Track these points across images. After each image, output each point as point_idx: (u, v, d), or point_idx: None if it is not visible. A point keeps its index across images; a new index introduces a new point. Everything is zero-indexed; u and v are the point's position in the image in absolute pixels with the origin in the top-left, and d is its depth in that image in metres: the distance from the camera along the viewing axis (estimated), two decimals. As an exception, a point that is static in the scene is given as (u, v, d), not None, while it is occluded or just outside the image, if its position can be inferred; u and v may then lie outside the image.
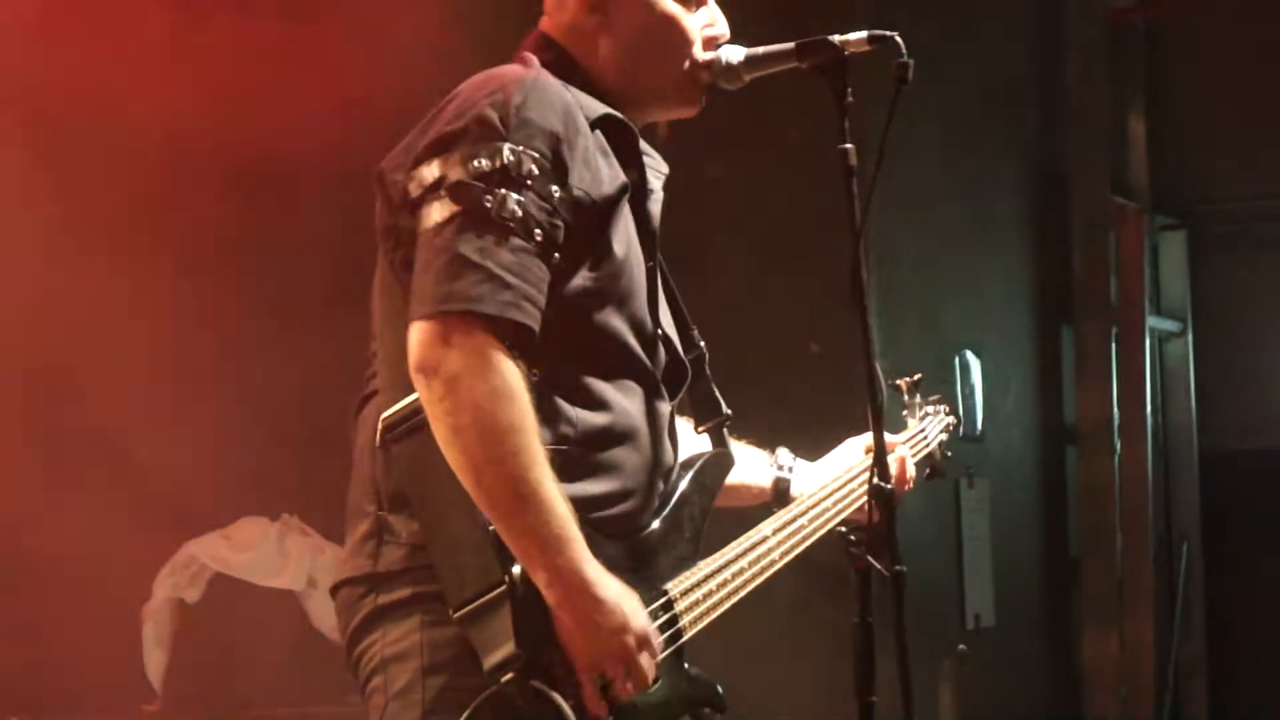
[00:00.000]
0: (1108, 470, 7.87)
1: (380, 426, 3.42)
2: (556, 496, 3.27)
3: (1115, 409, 7.88)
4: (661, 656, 3.44)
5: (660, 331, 3.65)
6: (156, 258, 6.70)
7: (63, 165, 6.64)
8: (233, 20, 6.84)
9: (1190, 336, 8.35)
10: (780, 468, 4.03)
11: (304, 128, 6.62)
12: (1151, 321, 8.10)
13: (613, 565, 3.37)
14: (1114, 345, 7.94)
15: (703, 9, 3.71)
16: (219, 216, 6.85)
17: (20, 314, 6.45)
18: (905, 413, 4.31)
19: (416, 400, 3.33)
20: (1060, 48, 7.95)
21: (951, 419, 4.41)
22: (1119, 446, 7.93)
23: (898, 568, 3.43)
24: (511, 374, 3.28)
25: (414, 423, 3.37)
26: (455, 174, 3.35)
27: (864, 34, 3.52)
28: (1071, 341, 8.01)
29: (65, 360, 6.49)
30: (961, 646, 6.68)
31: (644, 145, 3.70)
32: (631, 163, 3.61)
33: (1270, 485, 8.08)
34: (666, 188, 3.75)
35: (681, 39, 3.67)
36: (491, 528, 3.27)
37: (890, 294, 6.63)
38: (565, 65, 3.64)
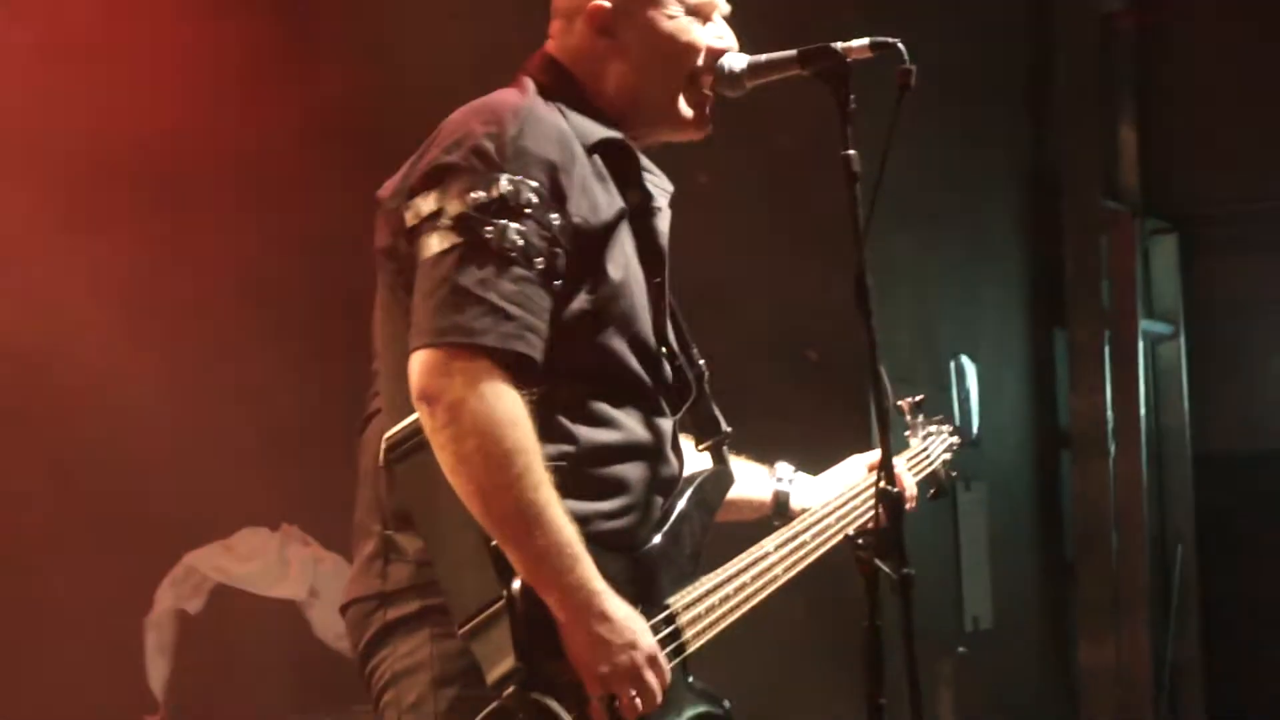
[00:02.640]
0: (1102, 473, 7.90)
1: (383, 446, 3.43)
2: (563, 517, 3.28)
3: (1109, 412, 7.90)
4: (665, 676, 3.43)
5: (665, 349, 3.66)
6: (159, 270, 6.66)
7: (71, 180, 6.58)
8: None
9: (1183, 339, 8.34)
10: (780, 480, 4.02)
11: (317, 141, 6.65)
12: (1144, 325, 8.12)
13: (614, 580, 3.38)
14: (1107, 349, 7.95)
15: (710, 24, 3.70)
16: (219, 227, 6.85)
17: (20, 322, 6.38)
18: (908, 433, 4.30)
19: (417, 420, 3.35)
20: (1051, 53, 7.94)
21: (955, 439, 4.40)
22: (1113, 449, 7.95)
23: (905, 571, 3.45)
24: (513, 400, 3.30)
25: (415, 442, 3.39)
26: (454, 206, 3.36)
27: (866, 41, 3.51)
28: (1065, 345, 8.00)
29: (66, 371, 6.43)
30: (961, 649, 6.69)
31: (646, 163, 3.72)
32: (633, 184, 3.62)
33: (1264, 486, 8.10)
34: (672, 204, 3.74)
35: (689, 54, 3.66)
36: (492, 543, 3.29)
37: (884, 300, 6.59)
38: (567, 88, 3.65)
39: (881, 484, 3.47)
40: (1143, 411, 8.03)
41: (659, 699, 3.40)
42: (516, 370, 3.31)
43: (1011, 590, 7.40)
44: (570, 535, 3.27)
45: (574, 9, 3.68)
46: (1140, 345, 8.06)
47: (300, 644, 6.70)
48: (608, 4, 3.64)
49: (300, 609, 6.73)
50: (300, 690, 6.56)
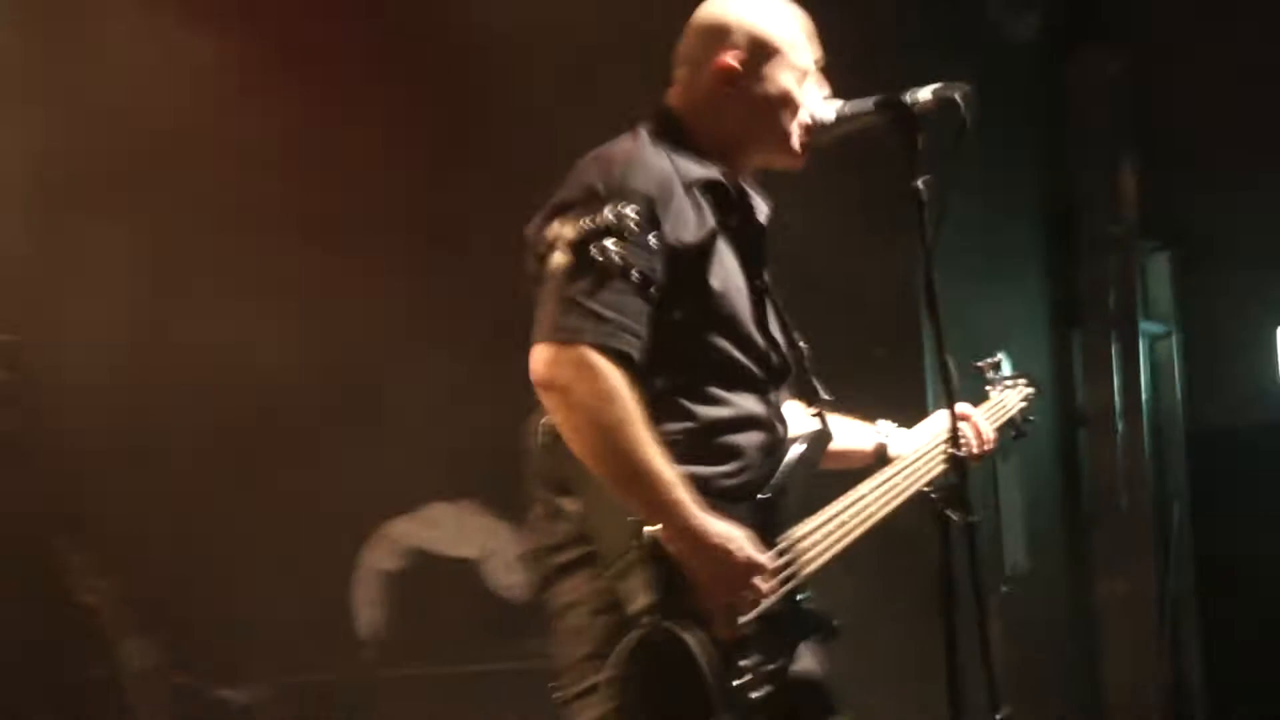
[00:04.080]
0: (1112, 446, 7.95)
1: (540, 431, 3.45)
2: (662, 469, 3.29)
3: (1116, 397, 7.92)
4: (779, 594, 3.44)
5: (767, 338, 3.64)
6: (349, 251, 6.26)
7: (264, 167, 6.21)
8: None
9: (1175, 337, 8.32)
10: (880, 434, 3.98)
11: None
12: (1143, 326, 8.10)
13: (737, 523, 3.38)
14: (1114, 346, 7.94)
15: (809, 79, 3.70)
16: (405, 209, 6.56)
17: (210, 311, 6.10)
18: (987, 387, 4.24)
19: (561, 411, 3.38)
20: (1068, 106, 7.95)
21: (1032, 390, 4.30)
22: (1120, 427, 7.94)
23: (971, 518, 3.46)
24: (611, 380, 3.30)
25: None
26: (569, 232, 3.38)
27: (930, 94, 3.51)
28: (1080, 344, 8.00)
29: (271, 364, 6.09)
30: (1004, 588, 6.66)
31: (748, 188, 3.70)
32: (732, 210, 3.60)
33: (1245, 455, 8.10)
34: (771, 220, 3.73)
35: (793, 111, 3.65)
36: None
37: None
38: (675, 134, 3.63)
39: (949, 450, 3.52)
40: (1144, 396, 8.03)
41: (763, 594, 3.41)
42: (615, 362, 3.31)
43: (1042, 542, 7.37)
44: (669, 483, 3.29)
45: (703, 61, 3.66)
46: (1141, 343, 8.05)
47: (477, 594, 6.64)
48: (737, 65, 3.62)
49: (476, 566, 6.68)
50: (478, 630, 6.46)
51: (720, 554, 3.32)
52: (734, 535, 3.35)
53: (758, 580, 3.38)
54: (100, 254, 5.85)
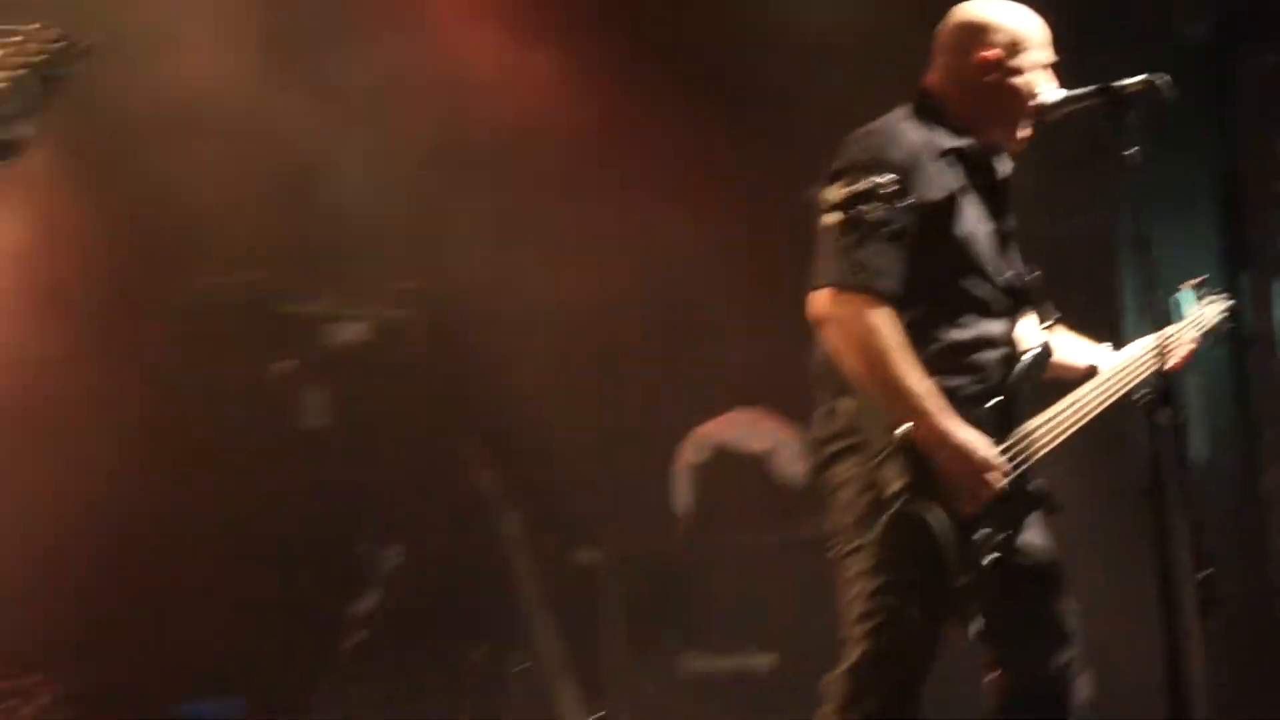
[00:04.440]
0: (1274, 362, 7.48)
1: (823, 350, 3.45)
2: (917, 383, 3.28)
3: (1276, 326, 7.45)
4: (1010, 476, 3.38)
5: (1007, 274, 3.57)
6: (668, 210, 5.86)
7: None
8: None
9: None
10: (1096, 353, 3.81)
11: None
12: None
13: (975, 425, 3.35)
14: (1274, 285, 7.49)
15: (1045, 74, 3.60)
16: (717, 181, 6.04)
17: (563, 260, 5.74)
18: (1190, 303, 4.00)
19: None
20: (1234, 86, 7.54)
21: (1231, 301, 4.06)
22: (1280, 352, 7.52)
23: (1179, 420, 3.32)
24: (875, 315, 3.30)
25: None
26: (838, 195, 3.37)
27: (1137, 82, 3.39)
28: (1247, 283, 7.53)
29: (615, 302, 5.85)
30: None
31: (993, 152, 3.61)
32: (979, 172, 3.53)
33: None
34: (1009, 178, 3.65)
35: (1031, 100, 3.56)
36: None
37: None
38: (933, 112, 3.56)
39: (1158, 358, 3.38)
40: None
41: (999, 487, 3.34)
42: (878, 301, 3.30)
43: (1217, 441, 6.98)
44: (924, 394, 3.28)
45: (965, 53, 3.59)
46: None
47: (767, 481, 6.32)
48: (996, 59, 3.55)
49: (766, 458, 6.37)
50: (767, 509, 6.22)
51: (961, 452, 3.31)
52: (973, 438, 3.34)
53: (993, 475, 3.35)
54: (469, 216, 5.69)
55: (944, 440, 3.29)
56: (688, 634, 5.92)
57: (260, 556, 5.26)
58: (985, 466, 3.33)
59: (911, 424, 3.26)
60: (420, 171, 5.43)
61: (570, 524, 6.03)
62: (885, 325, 3.31)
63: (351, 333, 5.65)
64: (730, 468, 6.38)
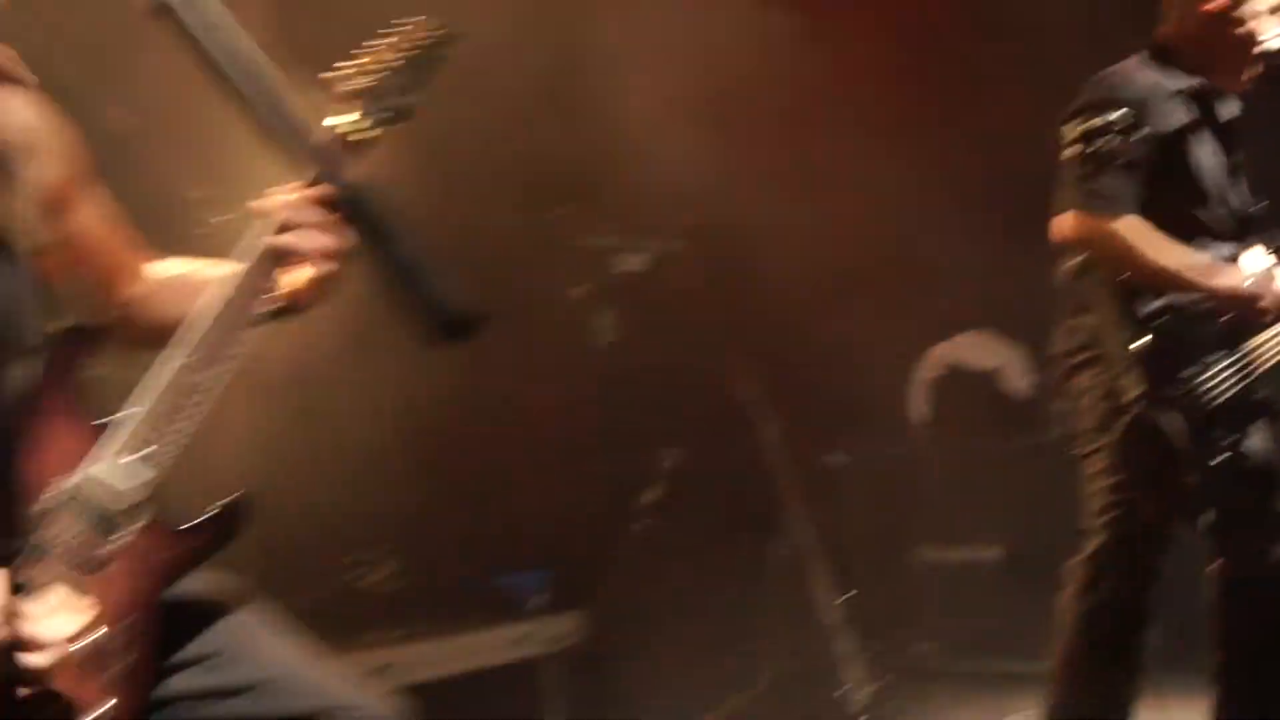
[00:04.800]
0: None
1: (1065, 270, 3.61)
2: (1173, 263, 3.39)
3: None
4: (1240, 385, 3.40)
5: (1235, 203, 3.63)
6: (902, 151, 5.81)
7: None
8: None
9: None
10: None
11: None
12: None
13: (1209, 337, 3.45)
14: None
15: (1270, 16, 3.65)
16: (953, 121, 6.06)
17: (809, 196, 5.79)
18: None
19: (1085, 256, 3.52)
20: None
21: None
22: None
23: None
24: (1119, 226, 3.40)
25: (1083, 265, 3.56)
26: (1076, 130, 3.46)
27: None
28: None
29: (850, 237, 5.83)
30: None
31: (1222, 93, 3.67)
32: (1208, 110, 3.61)
33: None
34: (1237, 119, 3.72)
35: (1253, 45, 3.64)
36: (1128, 326, 3.38)
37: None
38: (1165, 57, 3.64)
39: None
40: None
41: (1271, 314, 3.46)
42: (1114, 220, 3.40)
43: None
44: (1182, 268, 3.37)
45: (1193, 4, 3.64)
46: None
47: (996, 394, 6.44)
48: (1220, 9, 3.61)
49: (995, 374, 6.49)
50: (994, 419, 6.35)
51: (1232, 300, 3.42)
52: (1234, 282, 3.42)
53: (1262, 304, 3.45)
54: (731, 160, 5.72)
55: (1213, 296, 3.38)
56: (923, 528, 6.04)
57: (561, 453, 5.53)
58: (1255, 298, 3.42)
59: (1149, 336, 3.29)
60: (686, 124, 5.51)
61: (821, 430, 6.11)
62: (1124, 226, 3.38)
63: (637, 262, 5.90)
64: (962, 382, 6.51)
